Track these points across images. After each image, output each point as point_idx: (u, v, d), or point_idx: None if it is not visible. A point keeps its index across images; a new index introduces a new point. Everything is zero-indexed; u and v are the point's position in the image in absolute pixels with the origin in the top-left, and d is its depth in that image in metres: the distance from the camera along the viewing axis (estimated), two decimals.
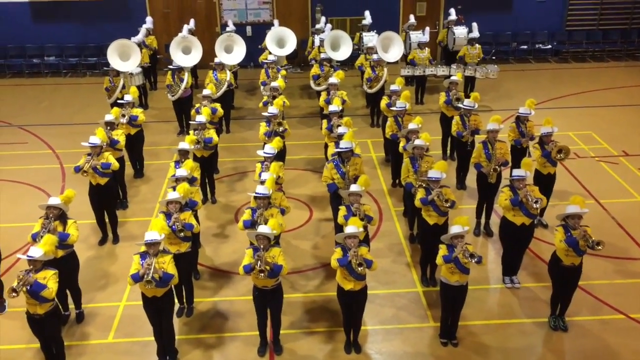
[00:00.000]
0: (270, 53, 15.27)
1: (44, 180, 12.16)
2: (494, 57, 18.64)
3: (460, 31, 16.67)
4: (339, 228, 8.60)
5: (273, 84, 12.57)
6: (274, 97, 12.05)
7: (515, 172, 8.54)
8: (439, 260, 7.44)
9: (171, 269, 7.14)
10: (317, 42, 16.07)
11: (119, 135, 10.69)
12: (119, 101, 12.13)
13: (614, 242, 9.89)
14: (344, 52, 15.56)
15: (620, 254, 9.69)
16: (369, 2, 18.08)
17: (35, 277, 6.81)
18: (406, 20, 17.77)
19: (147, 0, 18.52)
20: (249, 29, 18.80)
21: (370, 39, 15.98)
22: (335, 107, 11.17)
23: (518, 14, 19.21)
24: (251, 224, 8.07)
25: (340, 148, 9.37)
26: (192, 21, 17.08)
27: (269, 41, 15.66)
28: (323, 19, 17.43)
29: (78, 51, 18.85)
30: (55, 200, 8.01)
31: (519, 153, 10.74)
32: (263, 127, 10.94)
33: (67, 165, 12.69)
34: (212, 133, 10.77)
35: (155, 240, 7.10)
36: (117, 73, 13.94)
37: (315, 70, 14.41)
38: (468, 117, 11.05)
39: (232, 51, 15.19)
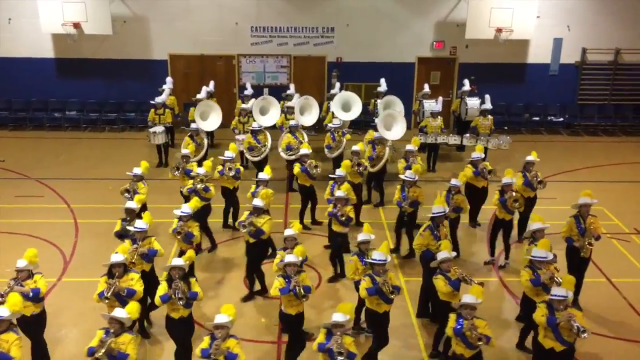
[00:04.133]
0: (334, 117, 15.45)
1: (58, 235, 12.27)
2: (506, 128, 18.92)
3: (473, 102, 16.97)
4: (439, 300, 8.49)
5: (355, 147, 12.86)
6: (359, 164, 12.46)
7: (555, 291, 7.62)
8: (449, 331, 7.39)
9: (238, 349, 6.97)
10: (331, 108, 16.37)
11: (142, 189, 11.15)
12: (221, 157, 12.28)
13: (626, 324, 9.76)
14: (355, 112, 15.86)
15: (632, 336, 9.52)
16: (384, 70, 18.53)
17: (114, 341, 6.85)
18: (420, 88, 18.14)
19: (169, 60, 19.09)
20: (265, 91, 19.23)
21: None
22: (412, 146, 12.71)
23: (531, 86, 19.56)
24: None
25: (434, 213, 9.48)
26: (211, 83, 17.56)
27: (335, 105, 15.88)
28: (338, 84, 17.81)
29: (99, 107, 19.34)
30: (178, 262, 8.04)
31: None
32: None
33: (81, 221, 12.87)
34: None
35: (224, 324, 6.99)
36: (198, 132, 14.35)
37: (328, 140, 14.43)
38: (408, 188, 11.21)
39: (306, 113, 15.72)
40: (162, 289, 7.92)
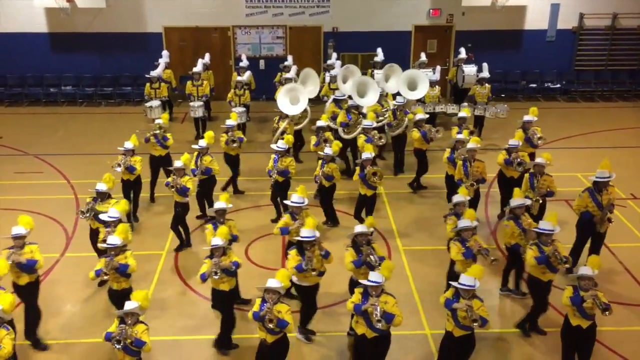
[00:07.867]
0: (398, 95, 14.80)
1: (59, 211, 12.36)
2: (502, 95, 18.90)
3: (470, 69, 16.93)
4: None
5: (462, 113, 13.41)
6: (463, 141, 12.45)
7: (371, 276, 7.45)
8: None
9: (289, 317, 7.24)
10: (327, 79, 16.24)
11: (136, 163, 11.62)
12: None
13: (622, 288, 9.94)
14: (371, 98, 14.86)
15: (629, 300, 9.71)
16: (381, 39, 18.41)
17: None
18: (417, 57, 18.06)
19: (164, 33, 18.93)
20: (262, 62, 19.15)
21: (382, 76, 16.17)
22: (530, 117, 12.63)
23: (527, 53, 19.49)
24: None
25: (599, 177, 9.67)
26: (207, 55, 17.47)
27: (401, 83, 15.47)
28: (334, 55, 17.73)
29: (94, 81, 19.24)
30: (217, 241, 8.24)
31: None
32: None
33: (82, 197, 12.90)
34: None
35: (275, 288, 7.24)
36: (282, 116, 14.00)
37: (342, 117, 13.82)
38: (280, 158, 11.44)
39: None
40: (204, 267, 8.25)
